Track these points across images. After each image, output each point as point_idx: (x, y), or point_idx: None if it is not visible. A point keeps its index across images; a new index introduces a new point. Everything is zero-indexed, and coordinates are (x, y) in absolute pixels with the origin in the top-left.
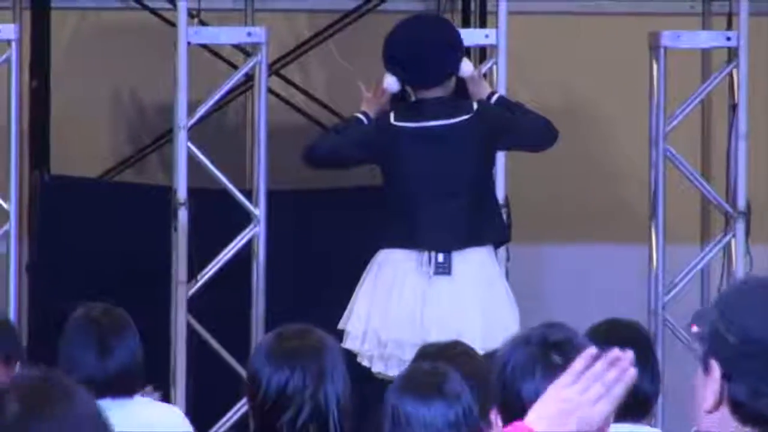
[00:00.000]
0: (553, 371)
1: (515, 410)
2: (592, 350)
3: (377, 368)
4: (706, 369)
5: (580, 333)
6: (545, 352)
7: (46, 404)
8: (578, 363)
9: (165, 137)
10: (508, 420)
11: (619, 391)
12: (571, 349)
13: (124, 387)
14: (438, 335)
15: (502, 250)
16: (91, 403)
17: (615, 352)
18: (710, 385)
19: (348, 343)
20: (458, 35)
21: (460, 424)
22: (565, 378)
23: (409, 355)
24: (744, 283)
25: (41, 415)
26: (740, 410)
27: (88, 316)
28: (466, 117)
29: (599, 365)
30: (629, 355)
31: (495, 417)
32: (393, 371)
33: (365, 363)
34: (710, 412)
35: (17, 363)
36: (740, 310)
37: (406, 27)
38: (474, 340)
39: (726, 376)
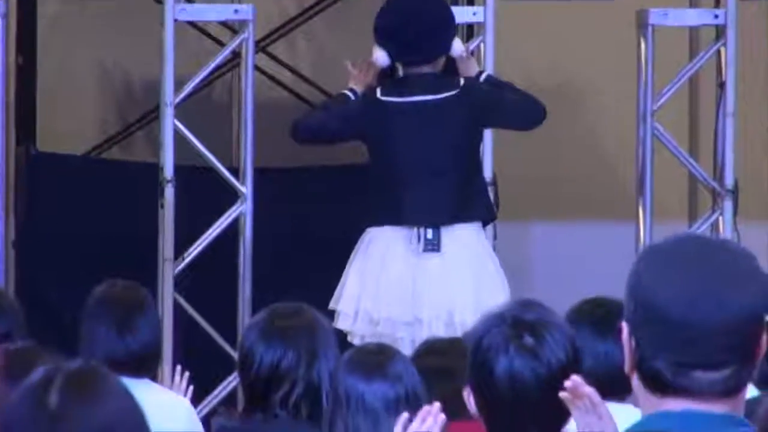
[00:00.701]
0: (525, 352)
1: (487, 389)
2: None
3: None
4: (620, 332)
5: (558, 312)
6: (518, 332)
7: (87, 397)
8: (398, 426)
9: (151, 114)
10: (480, 398)
11: None
12: (544, 330)
13: (143, 366)
14: (429, 312)
15: (489, 228)
16: (129, 395)
17: (425, 408)
18: (626, 347)
19: (339, 323)
20: (451, 14)
21: (399, 405)
22: None
23: (402, 332)
24: (650, 248)
25: (82, 408)
26: (640, 372)
27: (110, 292)
28: (452, 93)
29: (416, 424)
30: (436, 406)
31: (467, 395)
32: None
33: (356, 342)
34: (629, 373)
35: (18, 342)
36: (640, 274)
37: (399, 2)
38: (466, 316)
39: (633, 339)
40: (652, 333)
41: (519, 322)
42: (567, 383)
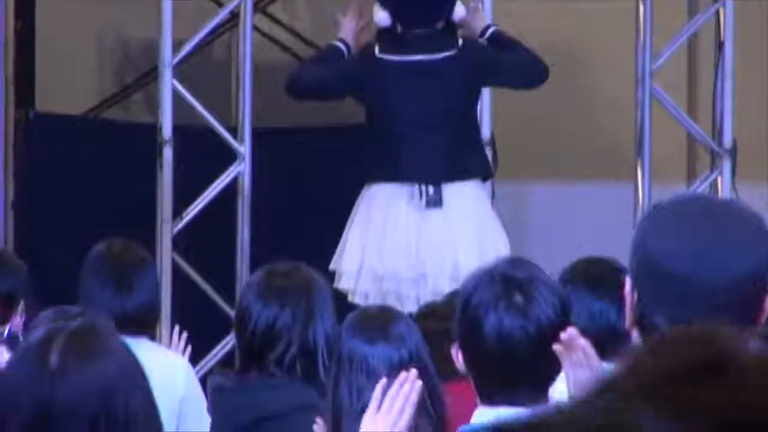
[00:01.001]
0: (515, 310)
1: (476, 347)
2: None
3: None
4: (623, 287)
5: (555, 271)
6: (508, 290)
7: (87, 356)
8: (377, 390)
9: (150, 75)
10: (468, 356)
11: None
12: (533, 287)
13: (140, 325)
14: (433, 266)
15: (486, 187)
16: (129, 353)
17: (402, 375)
18: (627, 301)
19: (342, 282)
20: None
21: (403, 366)
22: (371, 406)
23: (406, 290)
24: (658, 205)
25: (82, 366)
26: (640, 327)
27: (108, 251)
28: (451, 53)
29: (394, 389)
30: (413, 373)
31: (456, 352)
32: None
33: (359, 301)
34: (630, 328)
35: (22, 301)
36: (645, 229)
37: None
38: (470, 267)
39: (635, 294)
40: (654, 288)
41: (508, 279)
42: (563, 335)
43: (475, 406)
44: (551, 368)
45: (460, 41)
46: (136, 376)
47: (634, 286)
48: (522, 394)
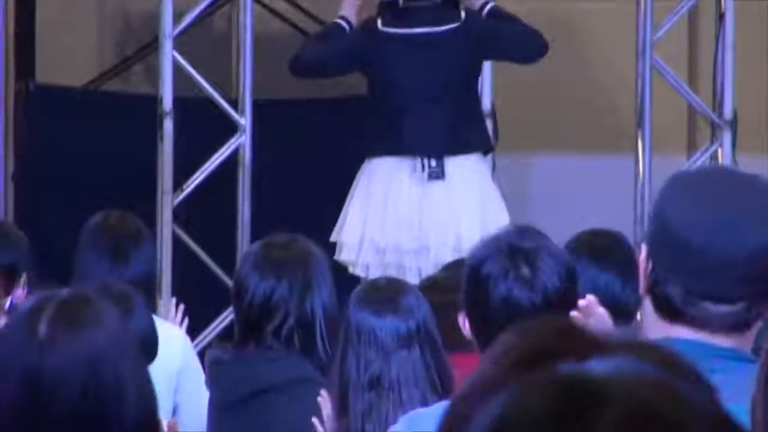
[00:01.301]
0: (522, 282)
1: (483, 316)
2: None
3: (375, 276)
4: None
5: (555, 240)
6: (515, 262)
7: (76, 325)
8: None
9: (150, 46)
10: (475, 325)
11: None
12: (539, 257)
13: None
14: (436, 238)
15: (488, 160)
16: (119, 323)
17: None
18: (641, 268)
19: (343, 254)
20: None
21: (411, 339)
22: None
23: (408, 261)
24: (679, 175)
25: (71, 336)
26: (652, 295)
27: (105, 222)
28: (453, 25)
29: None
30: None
31: (463, 320)
32: None
33: (360, 273)
34: (643, 295)
35: (24, 274)
36: (665, 199)
37: None
38: (473, 238)
39: (650, 262)
40: (669, 257)
41: (515, 250)
42: (581, 302)
43: None
44: None
45: (463, 14)
46: (126, 346)
47: (649, 253)
48: None
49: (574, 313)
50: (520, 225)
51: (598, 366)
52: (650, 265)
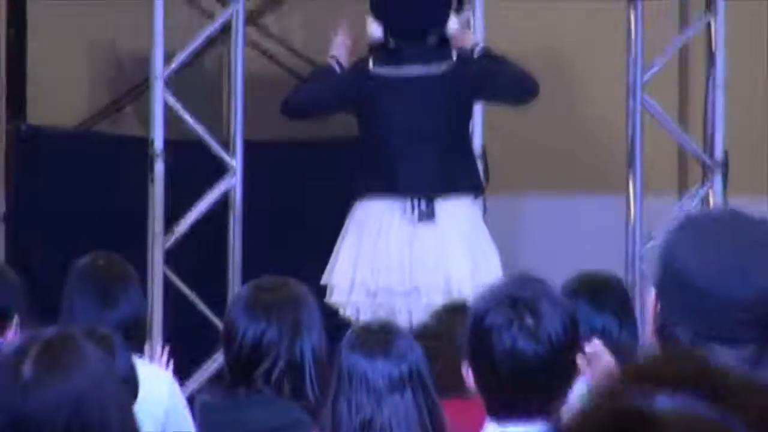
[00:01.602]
0: (526, 333)
1: (487, 368)
2: None
3: (365, 318)
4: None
5: (554, 286)
6: (519, 312)
7: (60, 367)
8: None
9: (141, 87)
10: (479, 375)
11: None
12: (542, 307)
13: (125, 339)
14: (426, 280)
15: (479, 201)
16: (105, 363)
17: None
18: (651, 308)
19: (334, 296)
20: None
21: (404, 382)
22: None
23: (399, 302)
24: (687, 218)
25: (54, 378)
26: (661, 337)
27: (92, 264)
28: (445, 66)
29: None
30: None
31: (466, 371)
32: None
33: (351, 314)
34: (652, 337)
35: (16, 316)
36: (672, 242)
37: None
38: (463, 283)
39: (659, 303)
40: (676, 299)
41: (517, 300)
42: (587, 347)
43: (471, 425)
44: (562, 385)
45: (455, 55)
46: (110, 387)
47: (657, 295)
48: (532, 411)
49: (580, 360)
50: (521, 273)
51: (661, 401)
52: (659, 307)
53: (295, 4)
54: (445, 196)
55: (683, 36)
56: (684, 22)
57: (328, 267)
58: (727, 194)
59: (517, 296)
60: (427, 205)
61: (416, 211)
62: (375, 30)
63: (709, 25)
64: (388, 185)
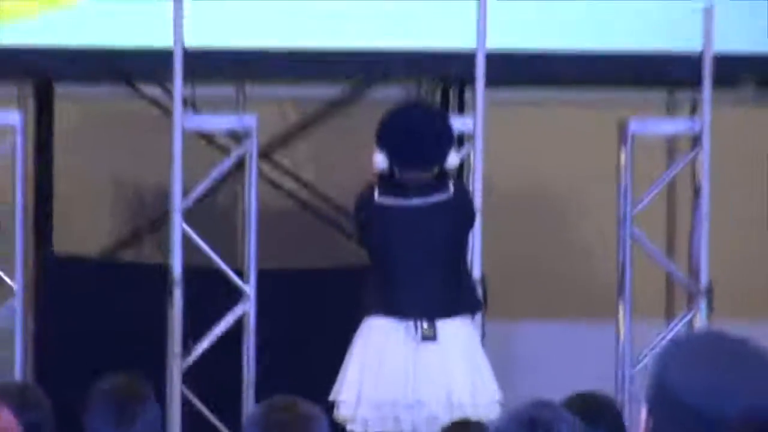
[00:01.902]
0: None
1: None
2: None
3: (374, 430)
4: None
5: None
6: None
7: None
8: None
9: (161, 218)
10: None
11: None
12: (558, 429)
13: None
14: (429, 394)
15: (477, 324)
16: None
17: None
18: (642, 427)
19: (342, 411)
20: (451, 129)
21: None
22: None
23: (404, 414)
24: (676, 339)
25: None
26: None
27: (111, 383)
28: (444, 197)
29: None
30: None
31: None
32: None
33: (358, 428)
34: None
35: None
36: (662, 362)
37: (403, 113)
38: (463, 397)
39: (651, 420)
40: (667, 417)
41: (536, 421)
42: None
43: None
44: None
45: (452, 186)
46: None
47: (648, 413)
48: None
49: None
50: (537, 398)
51: None
52: (650, 425)
53: (305, 138)
54: (446, 317)
55: (670, 171)
56: (672, 156)
57: (336, 383)
58: (711, 318)
59: (536, 418)
60: (429, 326)
61: (419, 331)
62: (381, 162)
63: (694, 160)
64: (393, 306)
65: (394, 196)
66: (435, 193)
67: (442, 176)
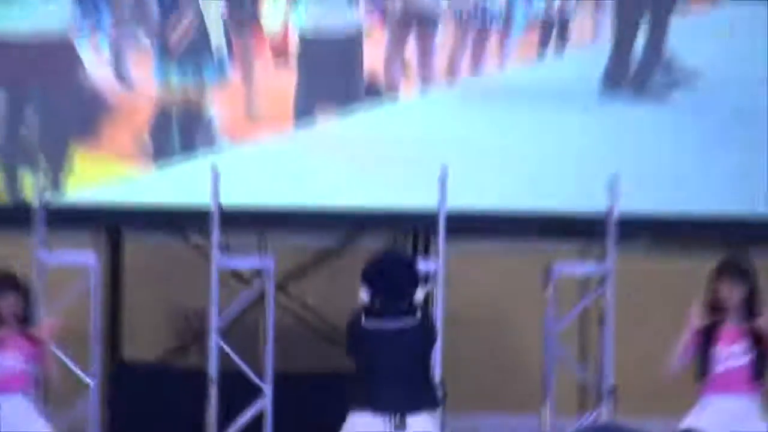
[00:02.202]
0: None
1: None
2: None
3: None
4: None
5: None
6: None
7: None
8: None
9: (201, 335)
10: None
11: None
12: None
13: None
14: None
15: (437, 418)
16: None
17: None
18: None
19: None
20: (416, 274)
21: None
22: None
23: None
24: (581, 429)
25: None
26: None
27: None
28: (414, 323)
29: None
30: None
31: None
32: None
33: None
34: None
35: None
36: None
37: (382, 259)
38: None
39: None
40: None
41: None
42: None
43: None
44: None
45: (419, 314)
46: None
47: None
48: None
49: None
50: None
51: None
52: None
53: (314, 273)
54: (413, 413)
55: (584, 301)
56: (584, 291)
57: None
58: (615, 414)
59: None
60: (400, 419)
61: (392, 422)
62: (365, 295)
63: (604, 292)
64: (373, 403)
65: (376, 321)
66: (406, 318)
67: (412, 306)
